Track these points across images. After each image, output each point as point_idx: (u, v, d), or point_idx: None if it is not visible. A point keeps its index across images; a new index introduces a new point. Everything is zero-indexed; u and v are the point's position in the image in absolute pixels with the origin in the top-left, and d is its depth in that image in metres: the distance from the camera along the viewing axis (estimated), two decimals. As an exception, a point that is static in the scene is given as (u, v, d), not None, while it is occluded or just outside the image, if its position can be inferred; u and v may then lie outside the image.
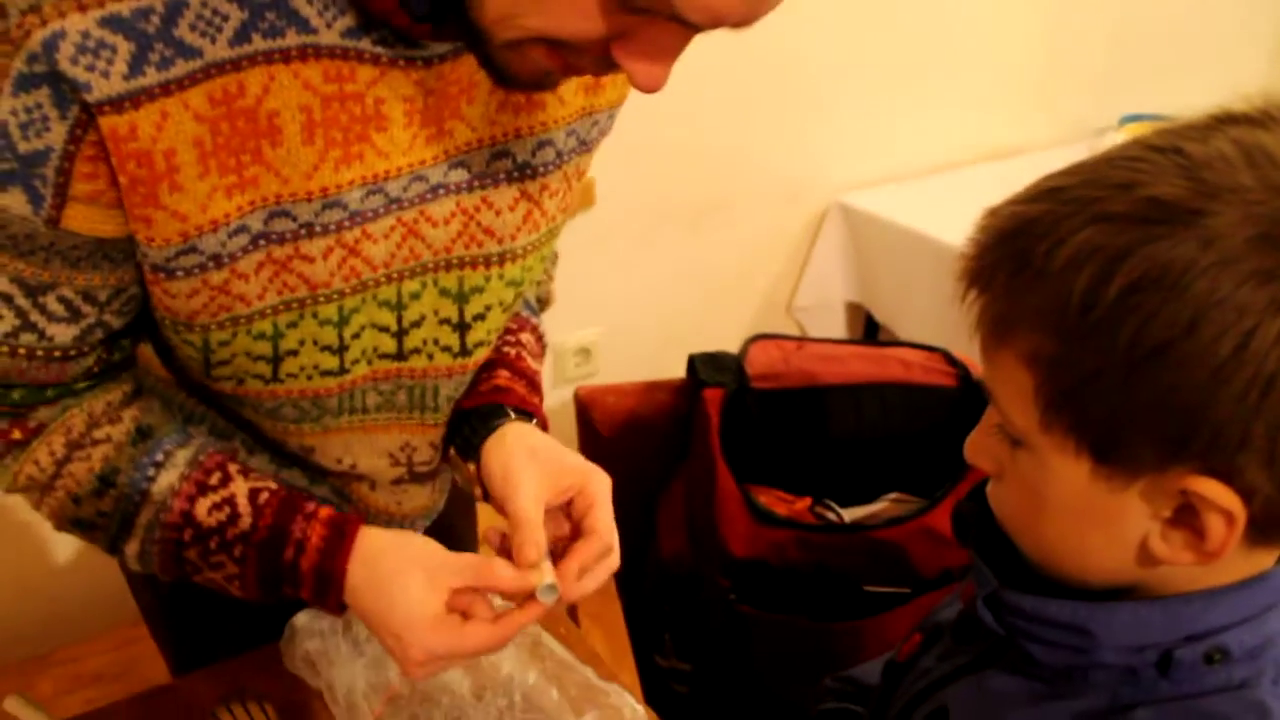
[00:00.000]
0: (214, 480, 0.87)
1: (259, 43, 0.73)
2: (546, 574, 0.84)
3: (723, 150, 2.28)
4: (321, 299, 0.84)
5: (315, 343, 0.86)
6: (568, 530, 0.91)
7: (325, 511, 0.87)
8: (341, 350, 0.88)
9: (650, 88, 0.71)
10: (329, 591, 0.85)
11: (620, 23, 0.68)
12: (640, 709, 0.95)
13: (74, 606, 1.97)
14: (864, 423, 1.48)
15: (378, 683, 1.00)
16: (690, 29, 0.68)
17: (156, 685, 1.10)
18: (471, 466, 0.97)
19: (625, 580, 1.53)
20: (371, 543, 0.86)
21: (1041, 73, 2.61)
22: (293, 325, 0.84)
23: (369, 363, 0.90)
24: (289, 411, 0.92)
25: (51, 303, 0.79)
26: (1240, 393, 0.57)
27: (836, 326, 2.60)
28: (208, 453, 0.89)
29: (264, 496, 0.87)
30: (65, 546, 1.96)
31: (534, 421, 0.98)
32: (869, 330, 2.56)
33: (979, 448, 0.73)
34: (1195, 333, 0.57)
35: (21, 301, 0.78)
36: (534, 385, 1.03)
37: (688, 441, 1.52)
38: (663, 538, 1.52)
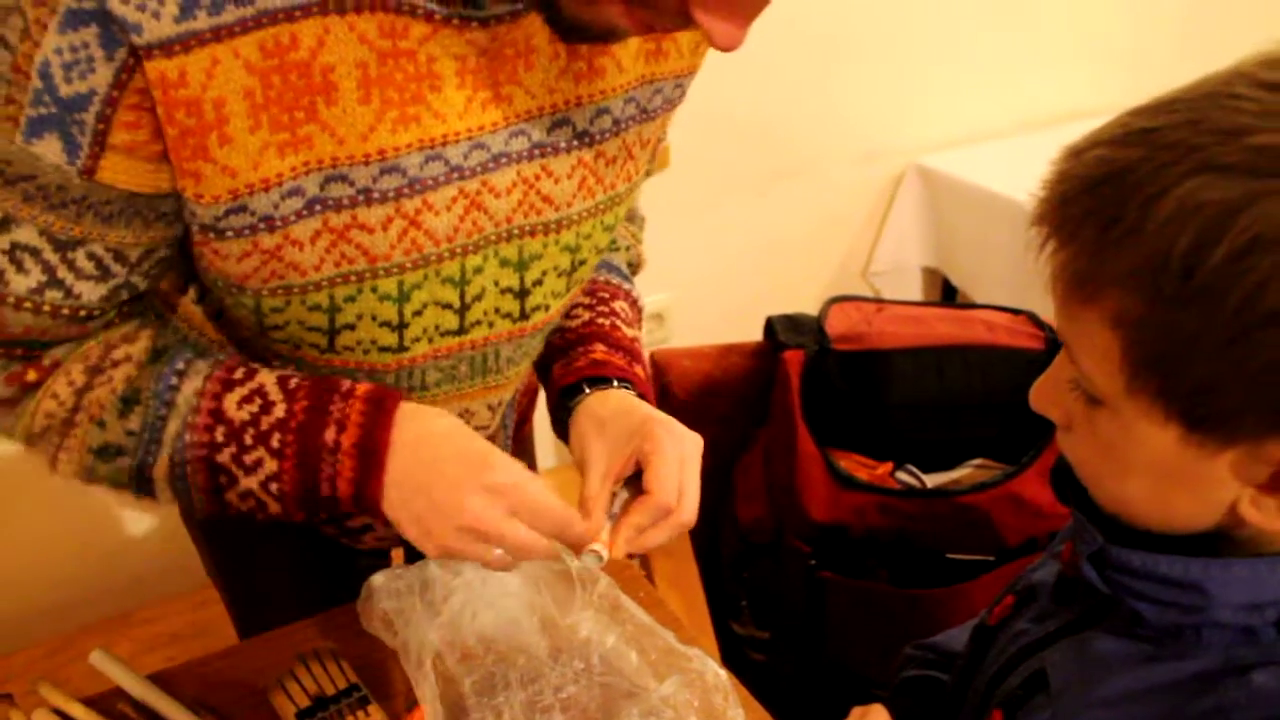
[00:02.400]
0: (239, 375, 0.83)
1: None
2: (597, 542, 0.85)
3: (796, 112, 2.24)
4: (381, 273, 0.82)
5: (374, 318, 0.84)
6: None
7: (363, 387, 0.83)
8: (401, 328, 0.86)
9: (728, 46, 0.70)
10: (371, 467, 0.80)
11: None
12: (723, 674, 0.93)
13: (153, 569, 2.00)
14: (947, 386, 1.44)
15: (454, 642, 1.00)
16: None
17: (234, 644, 1.11)
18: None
19: (703, 546, 1.51)
20: (421, 413, 0.83)
21: (1125, 30, 2.53)
22: (350, 299, 0.82)
23: (430, 341, 0.88)
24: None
25: (81, 259, 0.77)
26: None
27: (913, 291, 2.55)
28: (227, 355, 0.86)
29: (294, 381, 0.83)
30: (143, 513, 1.98)
31: (621, 386, 0.96)
32: (946, 295, 2.51)
33: (1047, 397, 0.70)
34: None
35: (50, 256, 0.76)
36: (631, 353, 1.01)
37: (766, 405, 1.49)
38: (741, 503, 1.50)
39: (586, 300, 1.04)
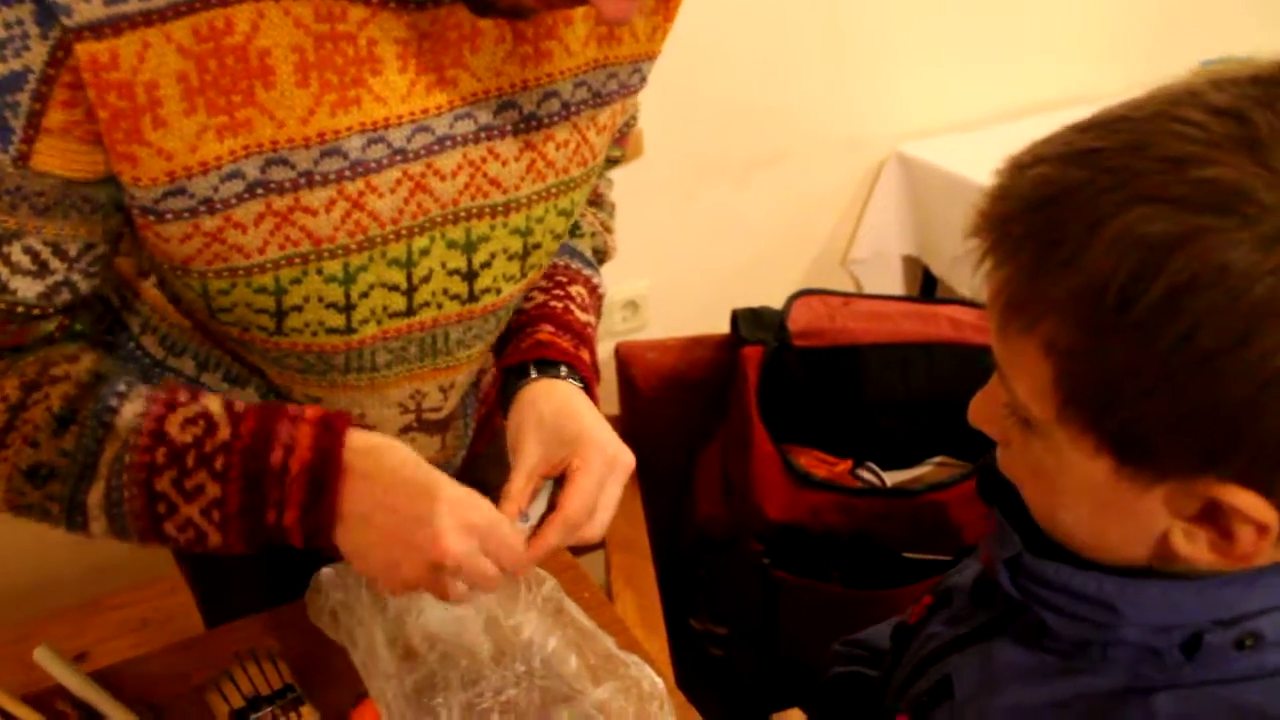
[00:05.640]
0: (183, 397, 0.80)
1: None
2: None
3: (776, 99, 2.22)
4: (326, 254, 0.81)
5: (320, 300, 0.84)
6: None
7: (312, 411, 0.81)
8: (348, 309, 0.85)
9: (616, 20, 0.70)
10: (323, 494, 0.78)
11: None
12: (659, 681, 0.93)
13: (122, 554, 2.00)
14: (910, 383, 1.43)
15: (396, 639, 1.00)
16: None
17: (183, 639, 1.11)
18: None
19: (661, 542, 1.51)
20: (374, 443, 0.81)
21: (1111, 14, 2.50)
22: (296, 281, 0.82)
23: (379, 323, 0.88)
24: (294, 362, 0.90)
25: (16, 253, 0.75)
26: None
27: (893, 280, 2.54)
28: (171, 382, 0.86)
29: (240, 406, 0.81)
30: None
31: (568, 372, 0.96)
32: (926, 284, 2.49)
33: (984, 415, 0.68)
34: (1248, 344, 0.51)
35: None
36: (581, 337, 1.01)
37: (728, 400, 1.49)
38: (699, 499, 1.50)
39: (543, 283, 1.03)
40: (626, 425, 1.62)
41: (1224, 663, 0.61)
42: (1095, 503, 0.61)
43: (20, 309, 0.78)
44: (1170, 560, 0.61)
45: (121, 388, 0.80)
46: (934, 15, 2.30)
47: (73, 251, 0.78)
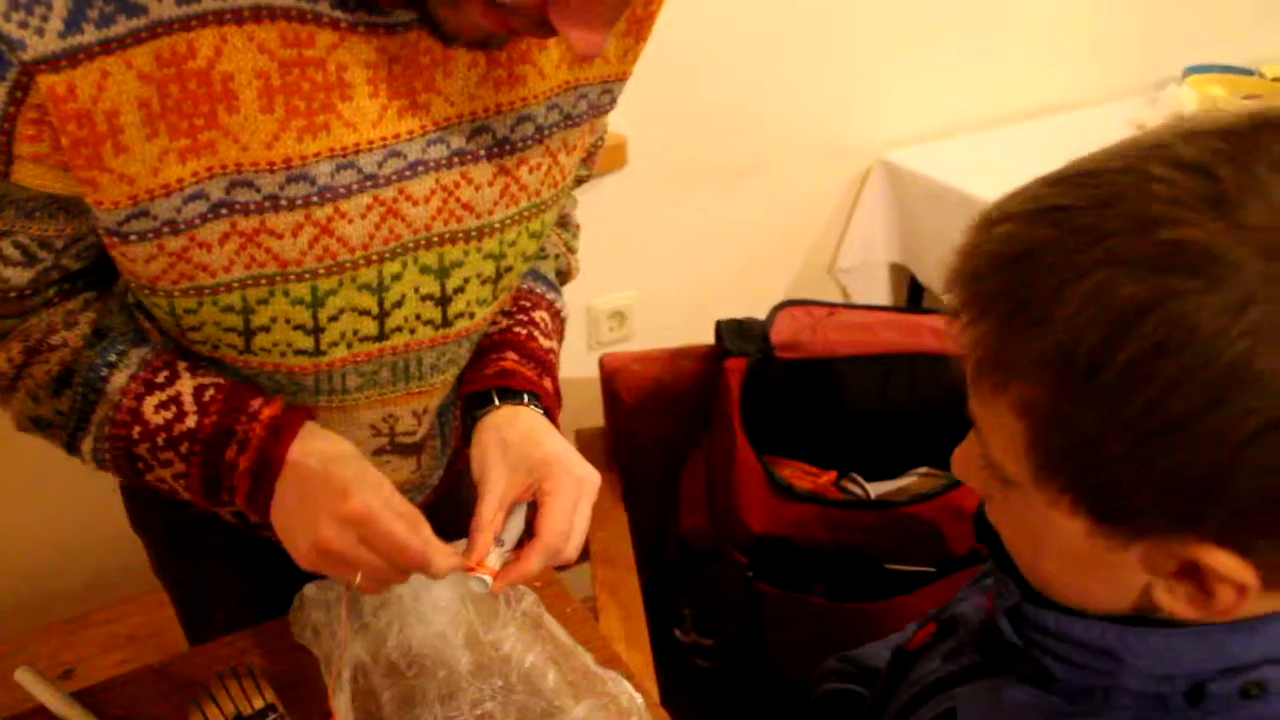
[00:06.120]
0: (161, 378, 0.87)
1: (209, 1, 0.70)
2: (484, 568, 0.86)
3: (761, 107, 2.22)
4: (293, 277, 0.82)
5: (288, 321, 0.85)
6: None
7: (269, 411, 0.87)
8: (317, 332, 0.86)
9: (587, 52, 0.70)
10: (263, 481, 0.85)
11: None
12: (638, 698, 0.93)
13: (112, 570, 1.99)
14: (892, 394, 1.43)
15: (378, 656, 1.00)
16: None
17: (168, 655, 1.11)
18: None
19: (646, 553, 1.51)
20: (315, 438, 0.87)
21: (1098, 19, 2.50)
22: (263, 302, 0.83)
23: (349, 346, 0.88)
24: (265, 382, 0.91)
25: (7, 248, 0.80)
26: (1265, 471, 0.51)
27: (880, 288, 2.54)
28: (157, 351, 0.89)
29: (209, 393, 0.87)
30: (105, 512, 1.97)
31: (529, 400, 0.96)
32: (913, 292, 2.50)
33: (965, 468, 0.68)
34: (1218, 408, 0.50)
35: None
36: (544, 365, 1.01)
37: (712, 412, 1.49)
38: (683, 511, 1.50)
39: (508, 308, 1.03)
40: (611, 437, 1.62)
41: (1229, 710, 0.60)
42: (1075, 558, 0.61)
43: (13, 293, 0.83)
44: (1154, 612, 0.61)
45: (112, 357, 0.88)
46: (918, 22, 2.30)
47: (59, 245, 0.82)
